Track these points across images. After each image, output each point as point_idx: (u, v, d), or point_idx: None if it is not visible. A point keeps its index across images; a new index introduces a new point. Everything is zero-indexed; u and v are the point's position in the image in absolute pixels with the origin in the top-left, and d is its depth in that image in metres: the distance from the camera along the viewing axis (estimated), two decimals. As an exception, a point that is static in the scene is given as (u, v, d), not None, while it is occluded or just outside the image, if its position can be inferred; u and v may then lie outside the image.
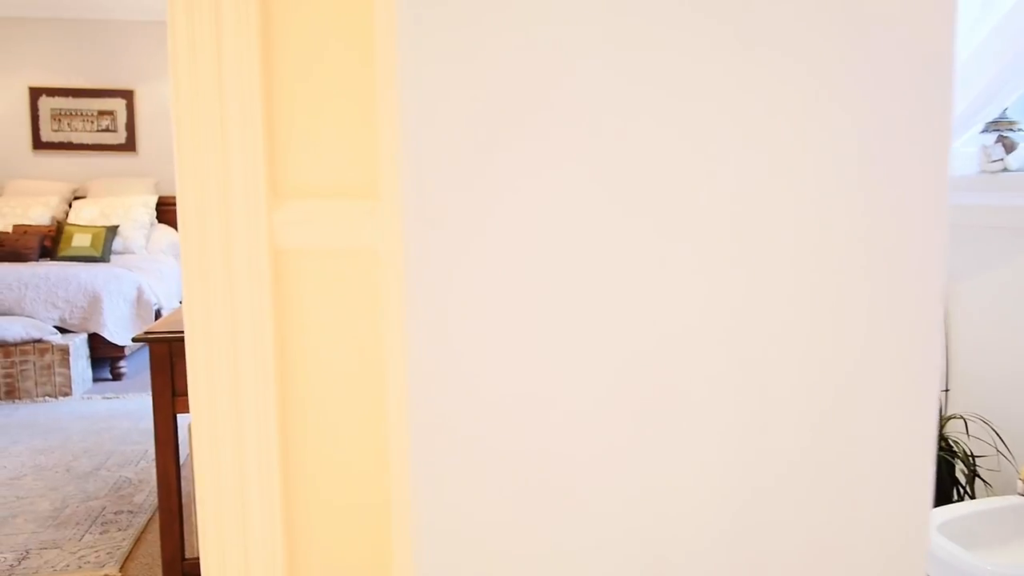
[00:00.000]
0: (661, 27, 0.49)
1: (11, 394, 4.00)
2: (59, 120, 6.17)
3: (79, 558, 2.26)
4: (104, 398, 4.03)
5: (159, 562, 2.23)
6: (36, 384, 4.02)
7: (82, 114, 6.19)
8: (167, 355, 1.71)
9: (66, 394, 4.05)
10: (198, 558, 1.78)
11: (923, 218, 0.52)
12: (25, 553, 2.29)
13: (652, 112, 0.49)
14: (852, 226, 0.51)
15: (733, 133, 0.50)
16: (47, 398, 4.01)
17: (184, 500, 2.34)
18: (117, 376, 4.44)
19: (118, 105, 6.23)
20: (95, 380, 4.44)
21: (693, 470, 0.52)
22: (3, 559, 2.26)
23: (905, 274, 0.52)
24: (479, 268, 0.49)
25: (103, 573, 2.14)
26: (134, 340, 1.69)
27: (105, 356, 4.39)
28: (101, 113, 6.22)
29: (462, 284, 0.50)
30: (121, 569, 2.18)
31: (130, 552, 2.30)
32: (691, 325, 0.51)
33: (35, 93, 6.11)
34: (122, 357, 4.43)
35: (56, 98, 6.15)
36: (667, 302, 0.50)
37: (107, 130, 6.23)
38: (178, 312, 2.03)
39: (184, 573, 1.82)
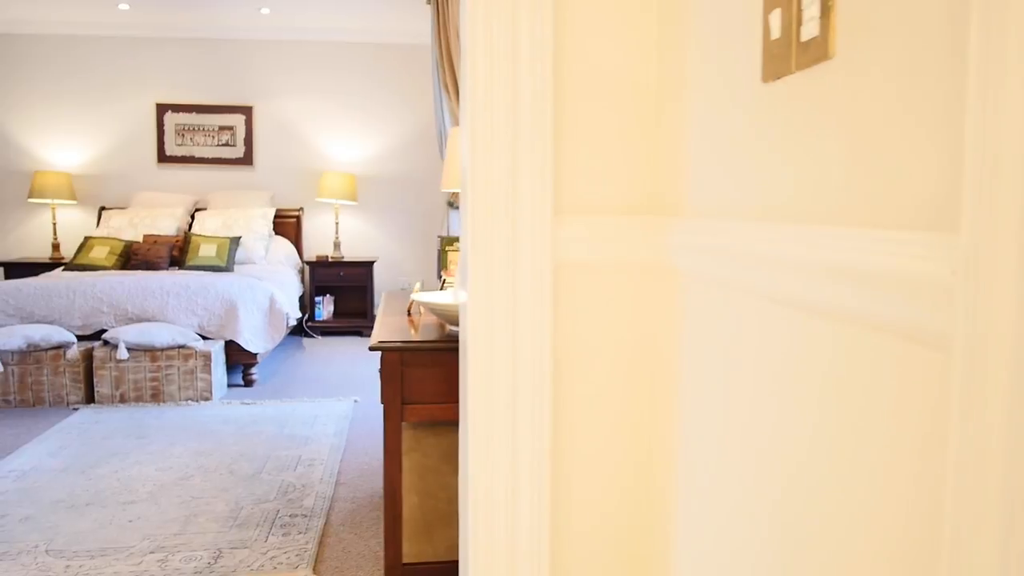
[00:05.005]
0: None
1: (156, 397, 4.16)
2: (182, 135, 6.43)
3: (271, 559, 2.32)
4: (243, 403, 4.16)
5: (347, 564, 2.29)
6: (179, 388, 4.17)
7: (204, 129, 6.45)
8: (398, 364, 1.75)
9: (206, 399, 4.19)
10: (415, 563, 1.81)
11: None
12: (218, 552, 2.37)
13: None
14: None
15: None
16: (189, 402, 4.16)
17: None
18: (249, 382, 4.58)
19: (237, 120, 6.46)
20: (228, 386, 4.58)
21: None
22: (199, 556, 2.34)
23: None
24: None
25: (302, 574, 2.19)
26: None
27: (237, 362, 4.53)
28: (221, 128, 6.46)
29: None
30: (313, 571, 2.24)
31: (316, 554, 2.36)
32: None
33: (161, 109, 6.39)
34: (254, 364, 4.57)
35: (180, 114, 6.42)
36: None
37: (227, 144, 6.47)
38: (384, 318, 2.08)
39: (405, 578, 1.85)
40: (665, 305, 1.28)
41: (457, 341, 1.78)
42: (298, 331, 6.33)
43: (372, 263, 6.27)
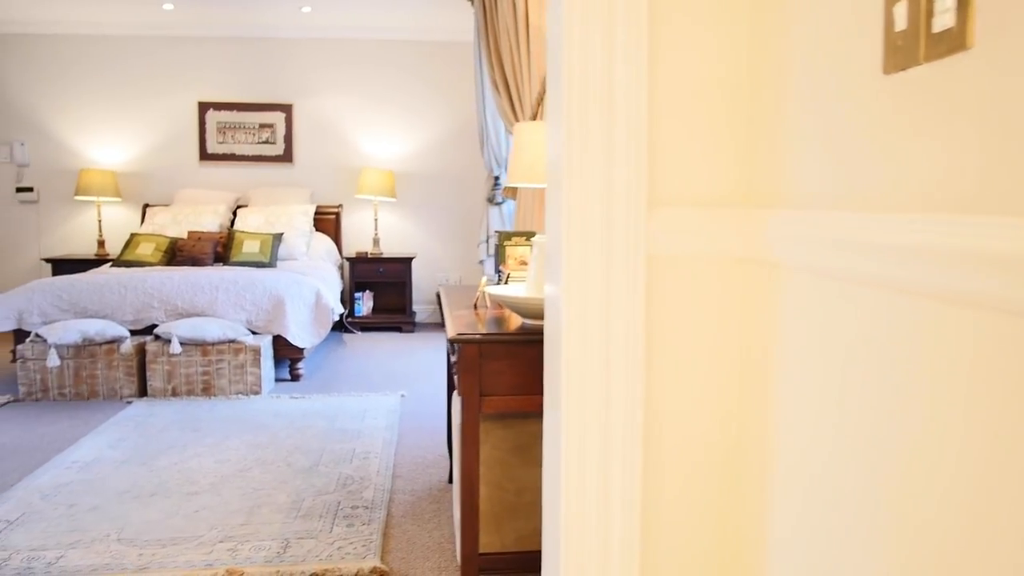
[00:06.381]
0: None
1: (207, 391, 4.22)
2: (224, 133, 6.52)
3: (338, 549, 2.36)
4: (292, 398, 4.21)
5: (414, 556, 2.32)
6: (230, 382, 4.23)
7: (244, 127, 6.53)
8: (477, 356, 1.77)
9: (256, 392, 4.25)
10: (488, 553, 1.83)
11: None
12: (286, 542, 2.41)
13: None
14: None
15: None
16: (239, 395, 4.22)
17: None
18: (295, 377, 4.64)
19: (277, 118, 6.53)
20: (275, 380, 4.64)
21: None
22: (267, 546, 2.38)
23: None
24: None
25: (371, 565, 2.23)
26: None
27: (283, 357, 4.59)
28: (262, 126, 6.54)
29: None
30: (381, 561, 2.27)
31: (382, 545, 2.39)
32: None
33: (203, 107, 6.48)
34: (300, 359, 4.62)
35: (222, 112, 6.50)
36: None
37: (267, 142, 6.54)
38: (453, 312, 2.10)
39: (480, 568, 1.88)
40: (761, 296, 1.29)
41: (533, 334, 1.79)
42: (338, 326, 6.39)
43: (411, 259, 6.31)
